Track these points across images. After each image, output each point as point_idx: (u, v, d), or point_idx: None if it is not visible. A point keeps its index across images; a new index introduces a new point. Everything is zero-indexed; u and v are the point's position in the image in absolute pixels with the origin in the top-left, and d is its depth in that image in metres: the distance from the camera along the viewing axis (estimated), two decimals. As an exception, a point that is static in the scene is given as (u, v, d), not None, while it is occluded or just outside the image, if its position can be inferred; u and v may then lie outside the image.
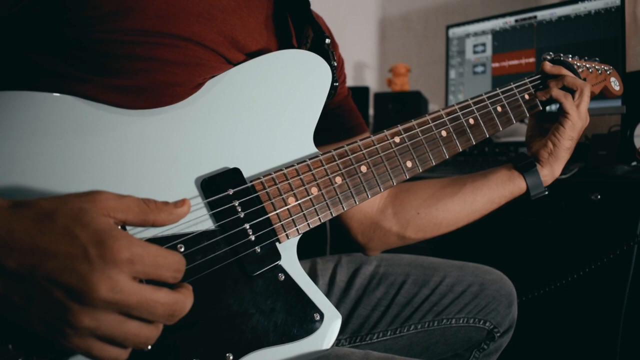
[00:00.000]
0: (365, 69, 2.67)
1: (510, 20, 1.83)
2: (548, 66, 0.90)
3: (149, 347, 0.47)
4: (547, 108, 0.92)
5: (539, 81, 0.90)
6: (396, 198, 0.93)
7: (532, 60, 1.78)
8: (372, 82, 2.68)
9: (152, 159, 0.58)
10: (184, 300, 0.47)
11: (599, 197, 1.26)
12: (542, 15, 1.75)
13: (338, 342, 0.91)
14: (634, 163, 1.37)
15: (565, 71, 0.89)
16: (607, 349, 1.27)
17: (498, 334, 0.94)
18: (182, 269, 0.47)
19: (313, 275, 0.97)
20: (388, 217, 0.92)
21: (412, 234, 0.92)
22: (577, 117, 0.85)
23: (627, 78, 1.48)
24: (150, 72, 0.60)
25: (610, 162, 1.41)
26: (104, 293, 0.41)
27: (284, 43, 0.79)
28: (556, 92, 0.86)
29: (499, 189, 0.89)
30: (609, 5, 1.58)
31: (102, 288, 0.41)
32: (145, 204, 0.47)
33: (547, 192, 0.89)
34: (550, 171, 0.88)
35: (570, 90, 0.87)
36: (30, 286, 0.41)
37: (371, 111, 2.23)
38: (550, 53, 0.95)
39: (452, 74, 2.01)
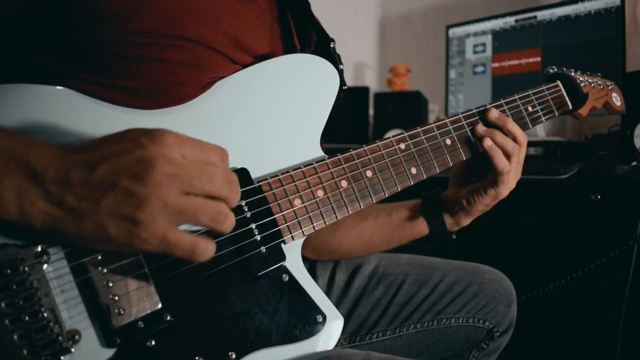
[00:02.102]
0: (365, 69, 2.67)
1: (510, 20, 1.83)
2: (493, 116, 0.80)
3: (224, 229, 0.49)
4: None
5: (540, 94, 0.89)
6: None
7: (531, 60, 1.78)
8: (372, 82, 2.68)
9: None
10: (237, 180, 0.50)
11: (599, 197, 1.27)
12: (542, 15, 1.75)
13: (337, 342, 0.91)
14: (634, 163, 1.38)
15: (511, 126, 0.79)
16: (607, 349, 1.28)
17: (497, 334, 0.95)
18: (226, 158, 0.51)
19: (312, 275, 0.96)
20: None
21: (309, 254, 0.92)
22: (506, 189, 0.79)
23: (627, 78, 1.49)
24: (158, 74, 0.60)
25: (610, 162, 1.41)
26: (162, 166, 0.44)
27: (288, 45, 0.79)
28: (494, 148, 0.77)
29: (399, 231, 0.88)
30: (609, 5, 1.59)
31: (160, 162, 0.44)
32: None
33: (454, 237, 0.87)
34: (456, 222, 0.87)
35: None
36: (96, 185, 0.44)
37: (371, 111, 2.24)
38: (554, 67, 0.95)
39: (452, 74, 2.01)
